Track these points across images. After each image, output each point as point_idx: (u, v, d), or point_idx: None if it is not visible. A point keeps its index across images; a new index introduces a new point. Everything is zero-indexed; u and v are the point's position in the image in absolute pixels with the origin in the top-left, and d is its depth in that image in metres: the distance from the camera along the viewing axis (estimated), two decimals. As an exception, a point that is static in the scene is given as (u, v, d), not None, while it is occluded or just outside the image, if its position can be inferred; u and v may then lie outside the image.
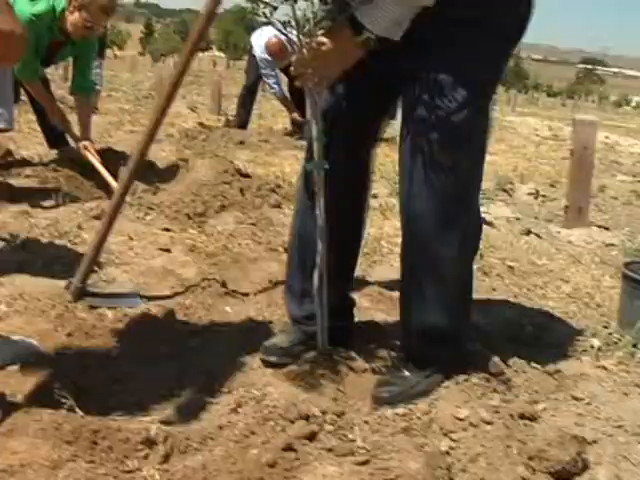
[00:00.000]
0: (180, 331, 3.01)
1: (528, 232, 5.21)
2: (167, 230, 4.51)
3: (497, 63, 2.51)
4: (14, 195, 4.98)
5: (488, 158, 8.71)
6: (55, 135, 6.01)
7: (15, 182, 5.38)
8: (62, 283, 3.31)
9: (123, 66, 27.16)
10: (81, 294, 3.23)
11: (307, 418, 2.33)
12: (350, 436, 2.29)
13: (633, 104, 67.37)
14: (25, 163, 5.99)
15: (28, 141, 7.23)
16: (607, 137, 16.90)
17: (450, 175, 2.41)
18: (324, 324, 2.73)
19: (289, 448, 2.15)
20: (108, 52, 36.30)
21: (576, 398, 2.63)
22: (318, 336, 2.74)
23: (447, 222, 2.46)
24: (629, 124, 26.89)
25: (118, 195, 3.22)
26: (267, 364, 2.74)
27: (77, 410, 2.29)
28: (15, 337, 2.75)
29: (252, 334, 2.97)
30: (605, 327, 3.34)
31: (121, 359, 2.76)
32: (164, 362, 2.75)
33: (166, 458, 2.12)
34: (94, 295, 3.26)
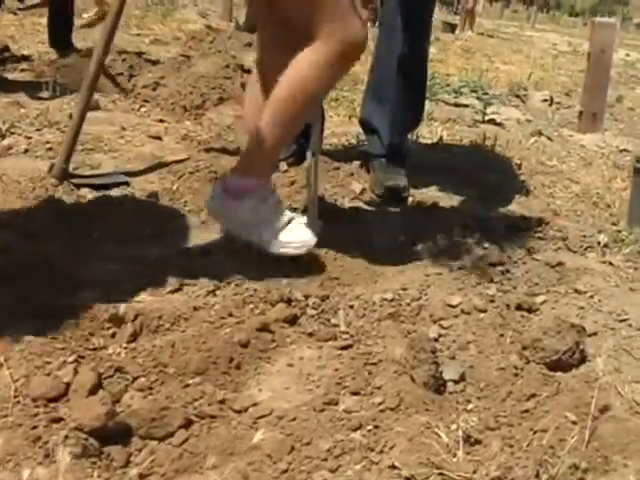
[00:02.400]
0: (164, 214, 2.85)
1: (539, 133, 5.00)
2: (162, 121, 4.33)
3: None
4: (7, 87, 4.80)
5: (503, 67, 8.52)
6: (60, 34, 5.76)
7: (10, 75, 5.20)
8: (45, 168, 3.16)
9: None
10: (64, 175, 3.07)
11: (289, 302, 2.19)
12: (333, 321, 2.16)
13: (657, 26, 65.94)
14: (23, 59, 5.81)
15: (29, 41, 7.04)
16: (627, 55, 16.49)
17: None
18: (315, 200, 2.61)
19: (265, 329, 2.01)
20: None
21: (578, 291, 2.47)
22: (309, 211, 2.61)
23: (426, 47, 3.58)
24: (652, 43, 26.25)
25: (94, 64, 3.12)
26: None
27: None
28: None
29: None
30: (613, 224, 3.17)
31: (100, 240, 2.61)
32: (146, 244, 2.60)
33: (134, 337, 1.98)
34: (77, 176, 3.11)
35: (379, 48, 3.55)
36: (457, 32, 16.38)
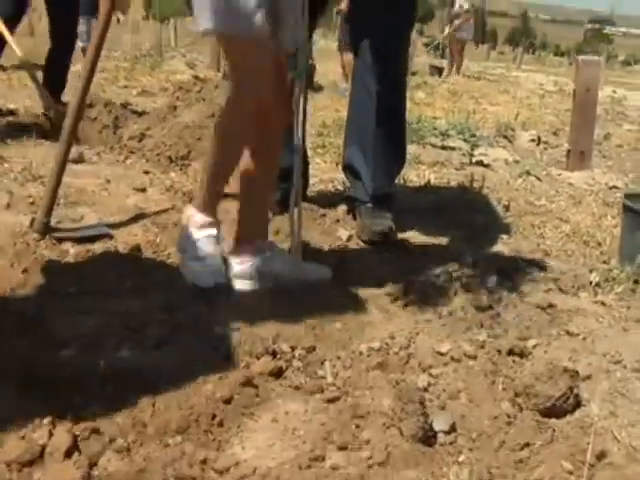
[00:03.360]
0: (147, 266, 2.79)
1: (527, 173, 4.98)
2: (147, 173, 4.30)
3: None
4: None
5: (490, 108, 8.56)
6: (53, 90, 5.74)
7: (-5, 128, 5.19)
8: (27, 222, 3.11)
9: (126, 29, 26.72)
10: (46, 230, 3.03)
11: (274, 354, 2.14)
12: (320, 372, 2.10)
13: (642, 64, 66.81)
14: (9, 113, 5.80)
15: (17, 95, 7.07)
16: (614, 91, 16.64)
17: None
18: (299, 241, 2.58)
19: (249, 384, 1.95)
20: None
21: (570, 333, 2.42)
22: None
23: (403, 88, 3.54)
24: (637, 80, 26.50)
25: (71, 117, 3.10)
26: None
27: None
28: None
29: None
30: (605, 263, 3.12)
31: (81, 295, 2.55)
32: (128, 297, 2.54)
33: (114, 395, 1.91)
34: (59, 230, 3.07)
35: (355, 88, 3.50)
36: (444, 74, 16.49)
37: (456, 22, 17.35)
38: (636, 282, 2.90)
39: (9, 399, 1.81)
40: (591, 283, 2.86)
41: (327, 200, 3.82)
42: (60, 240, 2.99)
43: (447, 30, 17.45)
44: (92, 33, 10.09)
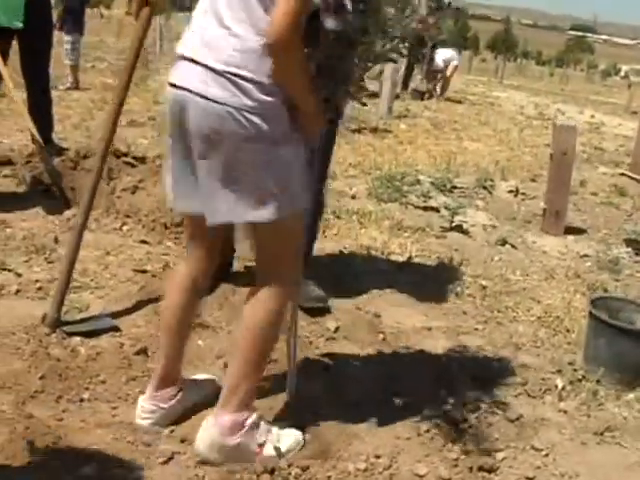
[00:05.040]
0: (152, 369, 3.04)
1: (504, 242, 5.27)
2: (144, 242, 4.53)
3: None
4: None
5: (471, 146, 8.78)
6: (41, 129, 5.83)
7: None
8: (37, 312, 3.34)
9: (109, 29, 26.83)
10: (56, 324, 3.27)
11: (272, 472, 2.39)
12: (313, 492, 2.36)
13: (622, 74, 67.38)
14: (5, 160, 5.92)
15: (6, 127, 7.22)
16: (592, 116, 17.04)
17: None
18: (293, 372, 2.80)
19: (254, 506, 2.22)
20: (95, 11, 35.54)
21: (535, 448, 2.71)
22: (287, 383, 2.82)
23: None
24: (616, 99, 26.91)
25: (80, 224, 3.41)
26: None
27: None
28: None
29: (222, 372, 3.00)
30: (570, 364, 3.39)
31: (95, 402, 2.80)
32: (135, 405, 2.78)
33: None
34: (68, 324, 3.32)
35: None
36: (426, 97, 16.74)
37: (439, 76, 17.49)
38: (598, 382, 3.20)
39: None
40: (557, 387, 3.15)
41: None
42: (70, 334, 3.23)
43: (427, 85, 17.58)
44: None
